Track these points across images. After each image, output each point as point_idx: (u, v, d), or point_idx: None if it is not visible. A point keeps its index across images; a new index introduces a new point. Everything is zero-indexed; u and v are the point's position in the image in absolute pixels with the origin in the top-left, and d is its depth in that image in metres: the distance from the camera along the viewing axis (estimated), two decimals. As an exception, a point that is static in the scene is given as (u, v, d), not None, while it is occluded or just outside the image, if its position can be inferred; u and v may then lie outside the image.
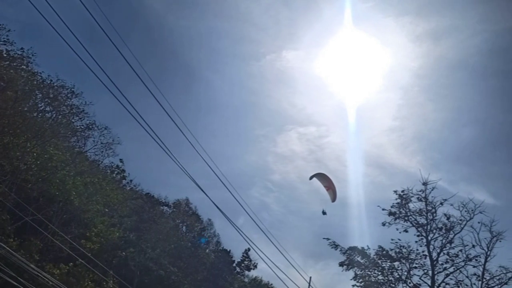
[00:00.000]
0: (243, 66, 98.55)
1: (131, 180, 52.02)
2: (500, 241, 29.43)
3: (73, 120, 36.96)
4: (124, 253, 40.76)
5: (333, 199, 26.55)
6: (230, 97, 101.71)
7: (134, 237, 44.22)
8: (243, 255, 59.60)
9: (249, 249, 57.32)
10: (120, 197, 40.94)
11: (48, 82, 35.34)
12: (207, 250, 56.80)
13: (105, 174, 42.94)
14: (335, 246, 33.99)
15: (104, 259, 36.71)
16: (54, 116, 36.69)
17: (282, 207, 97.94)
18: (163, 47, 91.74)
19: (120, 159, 46.86)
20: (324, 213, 26.63)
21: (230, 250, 58.51)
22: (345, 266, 33.57)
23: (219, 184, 17.48)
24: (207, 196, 17.43)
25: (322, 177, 26.85)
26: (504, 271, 29.07)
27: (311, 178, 26.91)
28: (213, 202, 17.72)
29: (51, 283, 24.61)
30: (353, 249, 33.68)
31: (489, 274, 29.44)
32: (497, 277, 29.14)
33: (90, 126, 37.28)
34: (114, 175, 46.42)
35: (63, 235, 29.08)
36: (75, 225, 35.24)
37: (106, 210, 38.42)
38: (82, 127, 37.38)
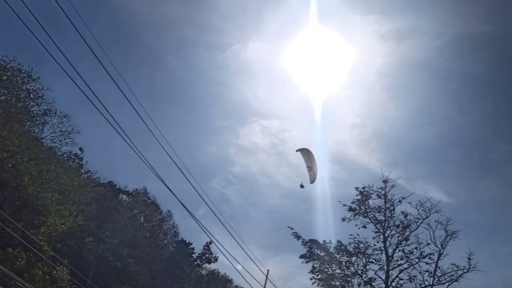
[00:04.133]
0: (208, 56, 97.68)
1: (89, 170, 50.94)
2: (453, 240, 30.09)
3: (29, 106, 35.59)
4: (80, 242, 39.87)
5: (312, 180, 26.80)
6: (193, 86, 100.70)
7: (94, 226, 43.31)
8: (204, 248, 59.48)
9: (210, 242, 56.89)
10: (77, 185, 39.71)
11: (2, 63, 33.85)
12: (165, 241, 56.22)
13: (62, 162, 41.60)
14: (297, 236, 33.95)
15: (58, 249, 35.81)
16: (9, 99, 35.21)
17: (242, 200, 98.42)
18: (126, 33, 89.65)
19: (80, 148, 46.06)
20: (302, 186, 26.95)
21: (189, 242, 58.27)
22: (305, 259, 33.63)
23: (179, 174, 17.47)
24: (166, 186, 17.26)
25: (307, 155, 26.92)
26: (455, 269, 29.59)
27: (297, 150, 27.24)
28: (172, 192, 17.63)
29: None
30: (313, 241, 33.79)
31: (441, 271, 29.99)
32: (448, 274, 29.73)
33: (48, 112, 35.97)
34: (71, 162, 45.01)
35: (14, 222, 28.05)
36: (28, 213, 34.01)
37: (60, 197, 37.22)
38: (39, 112, 36.05)
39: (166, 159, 16.98)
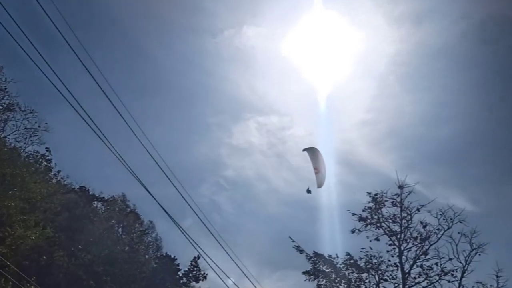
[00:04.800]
0: (196, 42, 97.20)
1: (59, 171, 50.94)
2: (479, 254, 30.51)
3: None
4: (48, 257, 39.92)
5: (320, 184, 27.00)
6: (179, 77, 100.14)
7: (64, 238, 43.36)
8: (191, 264, 59.06)
9: (198, 257, 57.00)
10: (45, 191, 39.89)
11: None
12: (147, 257, 56.31)
13: (27, 164, 41.74)
14: (299, 250, 34.28)
15: (25, 265, 35.89)
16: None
17: (236, 208, 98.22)
18: (101, 14, 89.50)
19: (47, 148, 45.87)
20: (308, 191, 27.08)
21: (175, 257, 58.29)
22: (309, 276, 33.94)
23: (163, 178, 17.19)
24: (149, 192, 16.95)
25: (314, 155, 27.29)
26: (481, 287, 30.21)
27: (304, 150, 27.70)
28: (155, 199, 17.35)
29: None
30: (319, 256, 34.12)
31: (465, 290, 30.31)
32: (474, 294, 30.12)
33: (11, 107, 36.24)
34: (38, 165, 45.11)
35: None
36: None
37: (26, 206, 37.40)
38: (1, 107, 36.33)
39: (148, 161, 16.75)
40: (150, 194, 17.03)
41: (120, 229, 55.62)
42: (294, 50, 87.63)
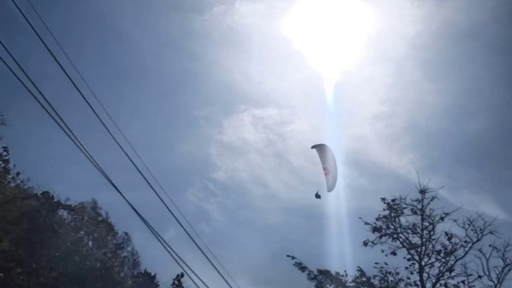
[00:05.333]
0: (180, 21, 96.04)
1: (18, 173, 50.29)
2: None
3: None
4: (6, 275, 39.39)
5: (330, 187, 26.93)
6: (161, 62, 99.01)
7: (24, 252, 42.73)
8: (173, 283, 58.98)
9: (182, 275, 56.75)
10: (1, 197, 39.91)
11: None
12: (122, 274, 55.98)
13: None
14: (301, 267, 33.55)
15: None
16: None
17: (228, 217, 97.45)
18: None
19: (4, 147, 45.89)
20: (317, 196, 27.23)
21: (155, 275, 57.97)
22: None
23: (141, 182, 17.14)
24: (124, 198, 16.80)
25: (324, 154, 27.20)
26: (516, 310, 29.78)
27: (313, 147, 27.69)
28: (132, 207, 17.08)
29: None
30: (324, 273, 33.50)
31: (497, 312, 30.08)
32: (507, 317, 29.88)
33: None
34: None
35: None
36: None
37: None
38: None
39: (123, 160, 16.62)
40: (126, 200, 16.88)
41: (90, 242, 55.27)
42: (296, 30, 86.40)
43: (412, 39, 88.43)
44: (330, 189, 27.07)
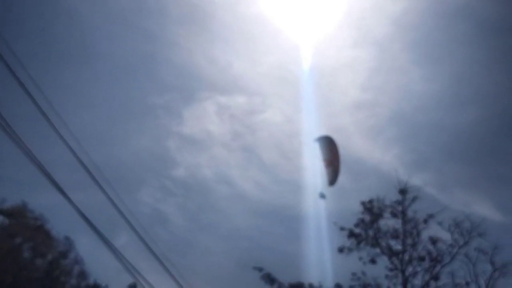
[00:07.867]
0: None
1: None
2: (503, 277, 29.39)
3: None
4: None
5: (332, 181, 25.76)
6: (111, 42, 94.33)
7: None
8: (126, 294, 57.22)
9: (135, 286, 54.93)
10: None
11: None
12: (67, 286, 53.60)
13: None
14: (270, 280, 32.64)
15: None
16: None
17: (189, 220, 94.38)
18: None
19: None
20: (322, 196, 26.03)
21: (105, 286, 55.92)
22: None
23: (87, 180, 16.31)
24: (69, 200, 15.79)
25: (326, 144, 26.28)
26: (507, 320, 29.34)
27: (316, 140, 26.89)
28: (79, 210, 16.14)
29: None
30: (297, 287, 32.67)
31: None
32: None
33: None
34: None
35: None
36: None
37: None
38: None
39: (65, 155, 15.54)
40: (71, 202, 16.02)
41: (29, 250, 52.45)
42: (268, 8, 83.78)
43: (398, 18, 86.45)
44: (332, 183, 25.81)
